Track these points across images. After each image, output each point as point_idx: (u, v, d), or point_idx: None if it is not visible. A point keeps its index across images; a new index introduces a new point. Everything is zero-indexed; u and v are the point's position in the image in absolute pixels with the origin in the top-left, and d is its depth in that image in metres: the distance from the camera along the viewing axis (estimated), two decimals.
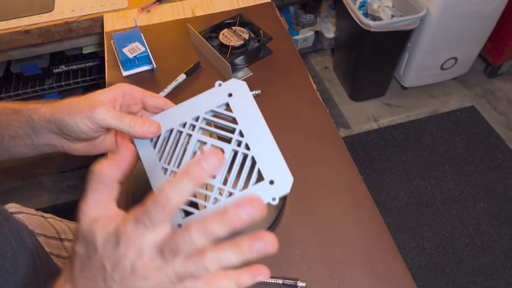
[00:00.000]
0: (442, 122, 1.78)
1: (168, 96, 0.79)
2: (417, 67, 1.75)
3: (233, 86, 0.37)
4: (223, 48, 0.84)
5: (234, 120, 0.36)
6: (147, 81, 0.83)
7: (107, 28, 0.96)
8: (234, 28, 0.87)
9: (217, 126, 0.37)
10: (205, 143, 0.37)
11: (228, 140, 0.35)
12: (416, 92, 1.90)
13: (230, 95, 0.37)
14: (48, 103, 0.42)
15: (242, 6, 1.00)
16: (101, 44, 1.10)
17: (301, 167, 0.66)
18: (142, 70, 0.85)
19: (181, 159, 0.37)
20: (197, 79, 0.83)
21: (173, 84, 0.80)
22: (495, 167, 1.61)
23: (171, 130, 0.39)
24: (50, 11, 1.00)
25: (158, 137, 0.39)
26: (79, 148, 0.44)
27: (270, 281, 0.52)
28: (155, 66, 0.83)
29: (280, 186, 0.33)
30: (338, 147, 0.69)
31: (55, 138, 0.42)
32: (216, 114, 0.38)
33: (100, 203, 0.28)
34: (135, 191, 0.62)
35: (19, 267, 0.46)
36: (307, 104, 0.76)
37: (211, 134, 0.38)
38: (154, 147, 0.39)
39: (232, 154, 0.35)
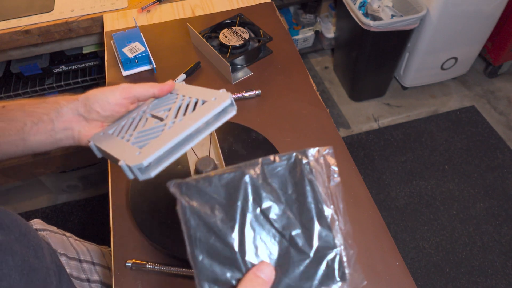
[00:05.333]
0: (442, 122, 1.78)
1: None
2: (417, 67, 1.75)
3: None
4: (223, 48, 0.84)
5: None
6: (147, 81, 0.83)
7: (107, 28, 0.96)
8: (234, 28, 0.86)
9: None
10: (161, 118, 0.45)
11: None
12: (416, 92, 1.90)
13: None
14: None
15: (242, 6, 1.00)
16: (101, 44, 1.10)
17: None
18: (142, 70, 0.85)
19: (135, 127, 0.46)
20: (197, 79, 0.83)
21: None
22: (495, 167, 1.61)
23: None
24: (50, 11, 1.00)
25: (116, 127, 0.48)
26: (91, 133, 0.48)
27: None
28: (155, 66, 0.83)
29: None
30: (338, 147, 0.69)
31: (75, 121, 0.47)
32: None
33: None
34: (135, 190, 0.62)
35: (33, 285, 0.44)
36: (307, 104, 0.76)
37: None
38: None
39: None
